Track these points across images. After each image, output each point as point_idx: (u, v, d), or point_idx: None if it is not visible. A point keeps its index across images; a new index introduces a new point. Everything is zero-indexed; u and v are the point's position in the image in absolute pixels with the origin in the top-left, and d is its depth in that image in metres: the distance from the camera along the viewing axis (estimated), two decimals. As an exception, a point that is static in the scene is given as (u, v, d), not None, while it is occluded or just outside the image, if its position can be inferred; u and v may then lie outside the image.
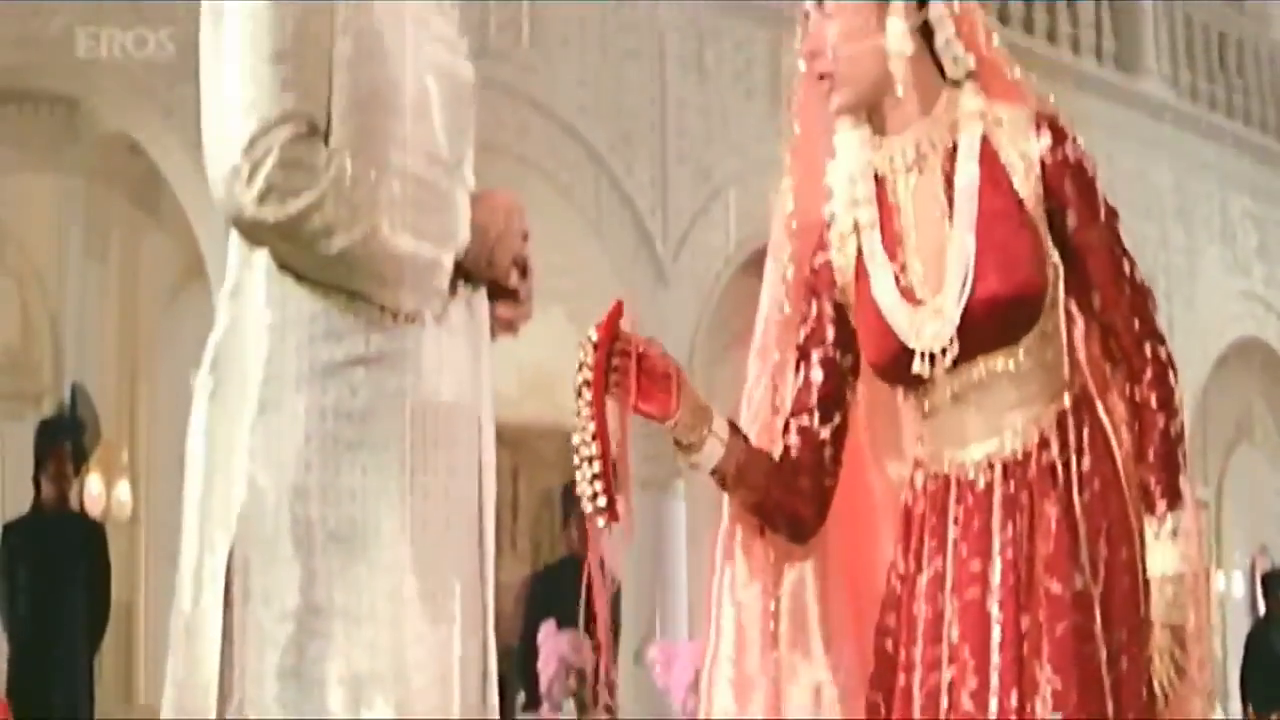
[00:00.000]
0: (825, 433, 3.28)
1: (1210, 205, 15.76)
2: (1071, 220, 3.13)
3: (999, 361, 3.12)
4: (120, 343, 12.63)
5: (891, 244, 3.19)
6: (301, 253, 2.69)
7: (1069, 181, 3.13)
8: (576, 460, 3.09)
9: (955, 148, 3.17)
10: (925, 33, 3.19)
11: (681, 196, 11.46)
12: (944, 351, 3.09)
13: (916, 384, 3.17)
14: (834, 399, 3.29)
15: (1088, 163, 3.18)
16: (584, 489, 3.08)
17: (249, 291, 2.75)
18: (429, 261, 2.73)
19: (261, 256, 2.73)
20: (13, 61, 9.41)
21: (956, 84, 3.21)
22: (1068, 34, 14.64)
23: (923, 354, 3.11)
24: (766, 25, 12.24)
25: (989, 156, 3.14)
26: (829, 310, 3.27)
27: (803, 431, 3.28)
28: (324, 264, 2.68)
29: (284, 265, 2.71)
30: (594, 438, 3.07)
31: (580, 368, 3.10)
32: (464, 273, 2.81)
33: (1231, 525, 17.31)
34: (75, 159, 12.51)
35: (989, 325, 3.08)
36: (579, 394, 3.10)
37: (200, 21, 2.80)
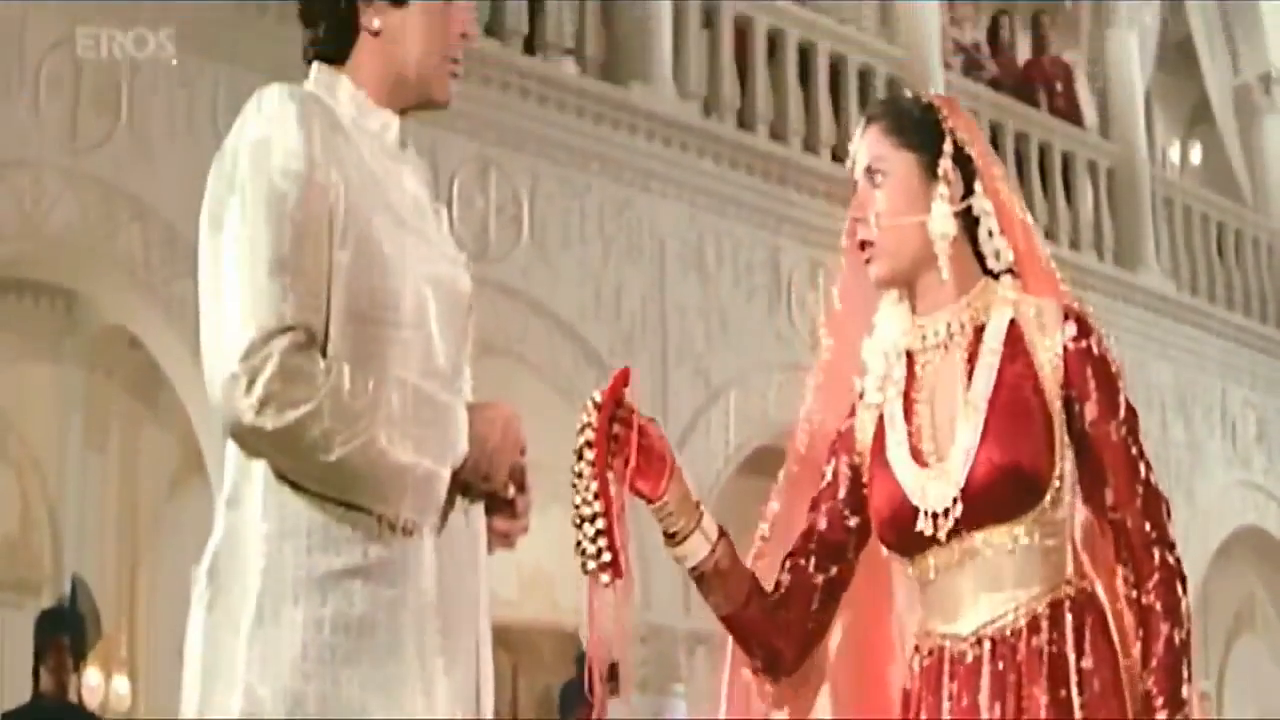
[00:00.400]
0: (819, 578, 3.30)
1: (1210, 396, 15.76)
2: (1090, 412, 3.15)
3: (999, 536, 3.12)
4: (119, 534, 12.57)
5: (910, 409, 3.24)
6: (299, 462, 2.69)
7: (1091, 374, 3.16)
8: (576, 521, 3.06)
9: (983, 328, 3.22)
10: (968, 220, 3.26)
11: (681, 397, 11.46)
12: (946, 512, 3.11)
13: (918, 549, 3.18)
14: (834, 550, 3.31)
15: (1111, 359, 3.21)
16: (586, 548, 3.05)
17: (247, 501, 2.75)
18: (427, 473, 2.73)
19: (259, 466, 2.74)
20: (12, 252, 9.44)
21: (994, 276, 3.27)
22: (1067, 230, 14.74)
23: (926, 512, 3.13)
24: (766, 228, 12.36)
25: (1014, 339, 3.19)
26: (845, 470, 3.32)
27: (796, 569, 3.31)
28: (322, 474, 2.69)
29: (282, 475, 2.72)
30: (596, 496, 3.05)
31: (582, 429, 3.08)
32: (461, 485, 2.82)
33: (1234, 716, 17.16)
34: (75, 350, 12.53)
35: (990, 495, 3.09)
36: (580, 455, 3.08)
37: (200, 226, 2.83)
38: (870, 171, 3.27)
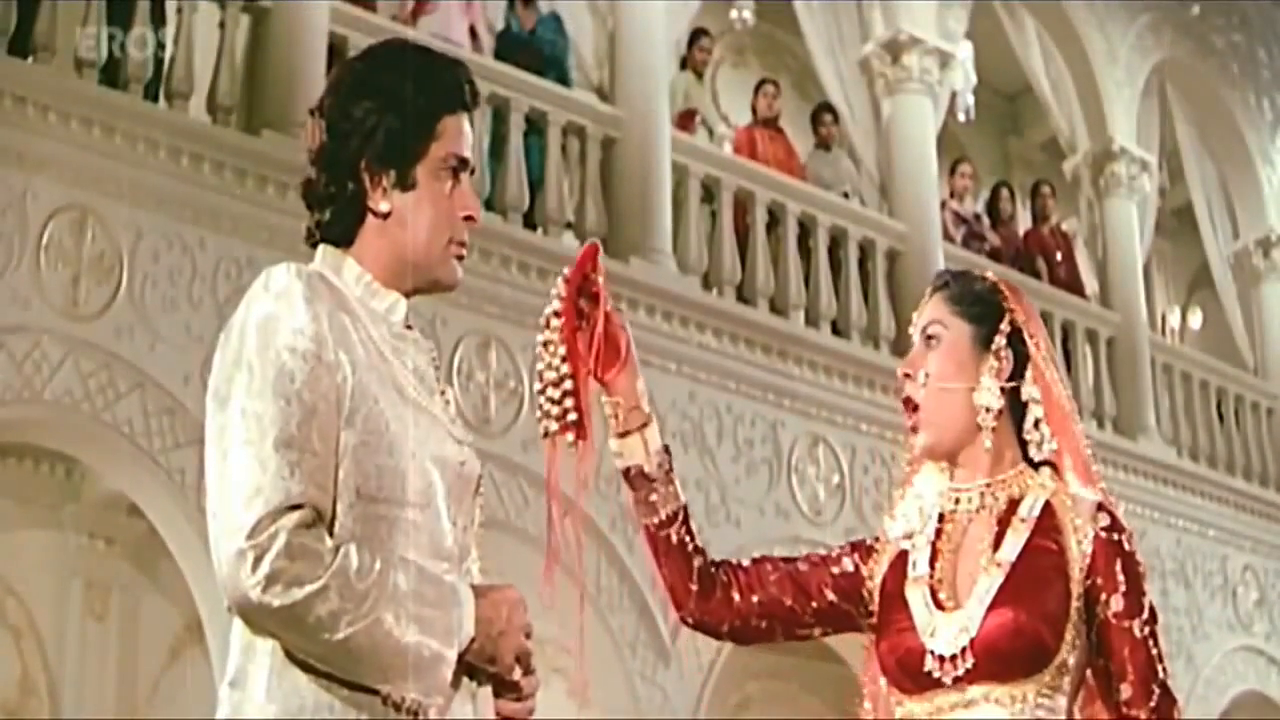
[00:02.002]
0: (772, 589, 3.38)
1: (1211, 562, 15.69)
2: (1115, 604, 3.19)
3: (1000, 693, 3.14)
4: (119, 703, 12.51)
5: (934, 559, 3.28)
6: (304, 641, 2.67)
7: (1120, 568, 3.20)
8: (540, 386, 3.16)
9: (1018, 500, 3.27)
10: (1015, 403, 3.32)
11: (681, 572, 11.41)
12: (955, 659, 3.14)
13: (920, 689, 3.20)
14: (798, 588, 3.39)
15: (1140, 559, 3.25)
16: (551, 410, 3.16)
17: (251, 681, 2.74)
18: (433, 655, 2.72)
19: (264, 646, 2.73)
20: (12, 417, 9.46)
21: (1034, 465, 3.32)
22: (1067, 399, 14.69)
23: (935, 654, 3.16)
24: (767, 402, 12.35)
25: (1048, 518, 3.23)
26: (849, 566, 3.38)
27: (757, 563, 3.42)
28: (327, 653, 2.67)
29: (287, 656, 2.70)
30: (563, 360, 3.16)
31: (552, 299, 3.19)
32: (467, 667, 2.81)
33: None
34: (75, 517, 12.56)
35: (998, 651, 3.12)
36: (547, 324, 3.18)
37: (205, 401, 2.83)
38: (927, 334, 3.34)
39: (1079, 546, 3.20)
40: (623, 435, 3.35)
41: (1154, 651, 3.20)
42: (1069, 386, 3.49)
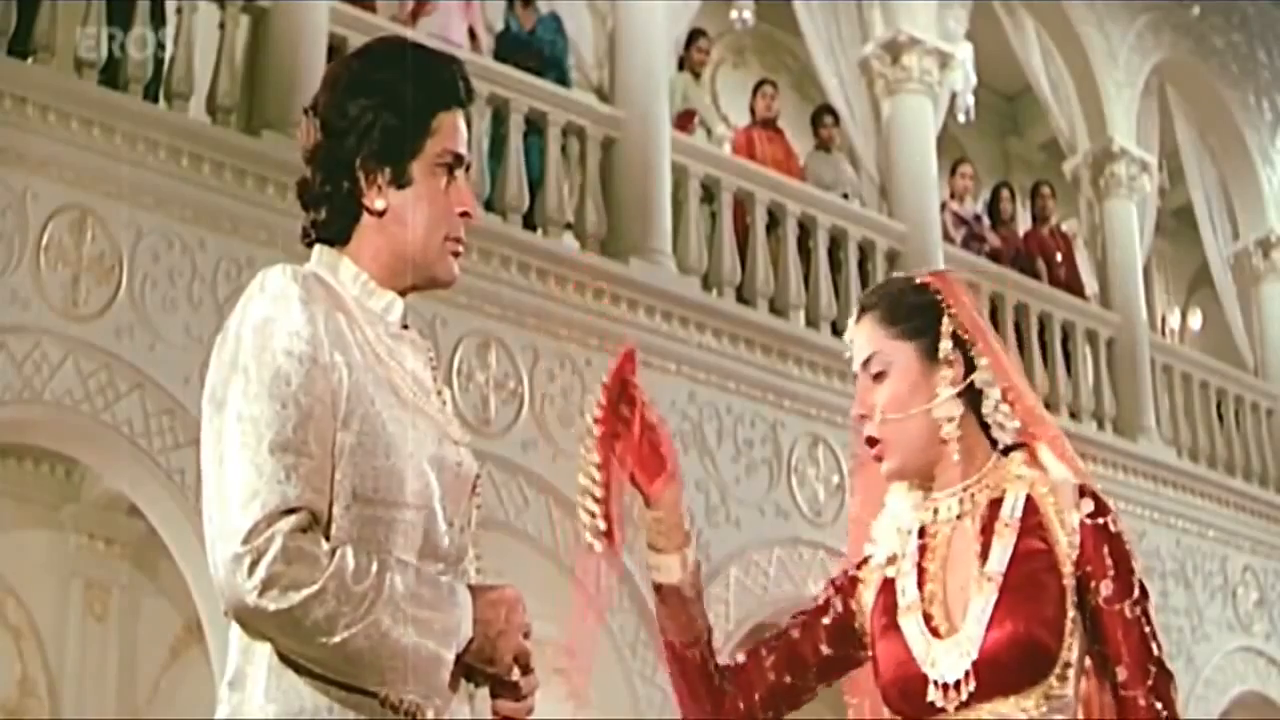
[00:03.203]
0: (772, 675, 3.34)
1: (1211, 563, 15.68)
2: (1105, 590, 3.15)
3: (1006, 708, 3.12)
4: (119, 703, 12.53)
5: (921, 578, 3.24)
6: (302, 644, 2.66)
7: (1107, 552, 3.17)
8: (580, 491, 3.14)
9: (998, 500, 3.22)
10: (972, 394, 3.25)
11: (681, 573, 11.39)
12: (958, 685, 3.11)
13: (923, 717, 3.17)
14: (797, 662, 3.35)
15: (1126, 538, 3.22)
16: (584, 518, 3.12)
17: (250, 683, 2.74)
18: (431, 657, 2.71)
19: (263, 648, 2.72)
20: (12, 418, 9.46)
21: (1004, 451, 3.27)
22: (1068, 400, 14.75)
23: (938, 683, 3.13)
24: (766, 403, 12.35)
25: (1031, 515, 3.19)
26: (838, 607, 3.34)
27: (754, 656, 3.37)
28: (325, 656, 2.66)
29: (285, 658, 2.70)
30: (597, 468, 3.11)
31: (592, 405, 3.15)
32: (466, 668, 2.80)
33: None
34: (75, 517, 12.59)
35: (1001, 668, 3.09)
36: (589, 433, 3.14)
37: (201, 402, 2.82)
38: (869, 365, 3.27)
39: (1067, 540, 3.16)
40: (657, 552, 3.28)
41: (1146, 630, 3.18)
42: (1008, 347, 3.44)
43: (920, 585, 3.23)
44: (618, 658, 10.96)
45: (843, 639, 3.34)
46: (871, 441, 3.27)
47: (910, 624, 3.20)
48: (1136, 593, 3.19)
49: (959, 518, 3.25)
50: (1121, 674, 3.17)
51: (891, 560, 3.29)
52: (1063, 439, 3.34)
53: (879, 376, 3.25)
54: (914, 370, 3.24)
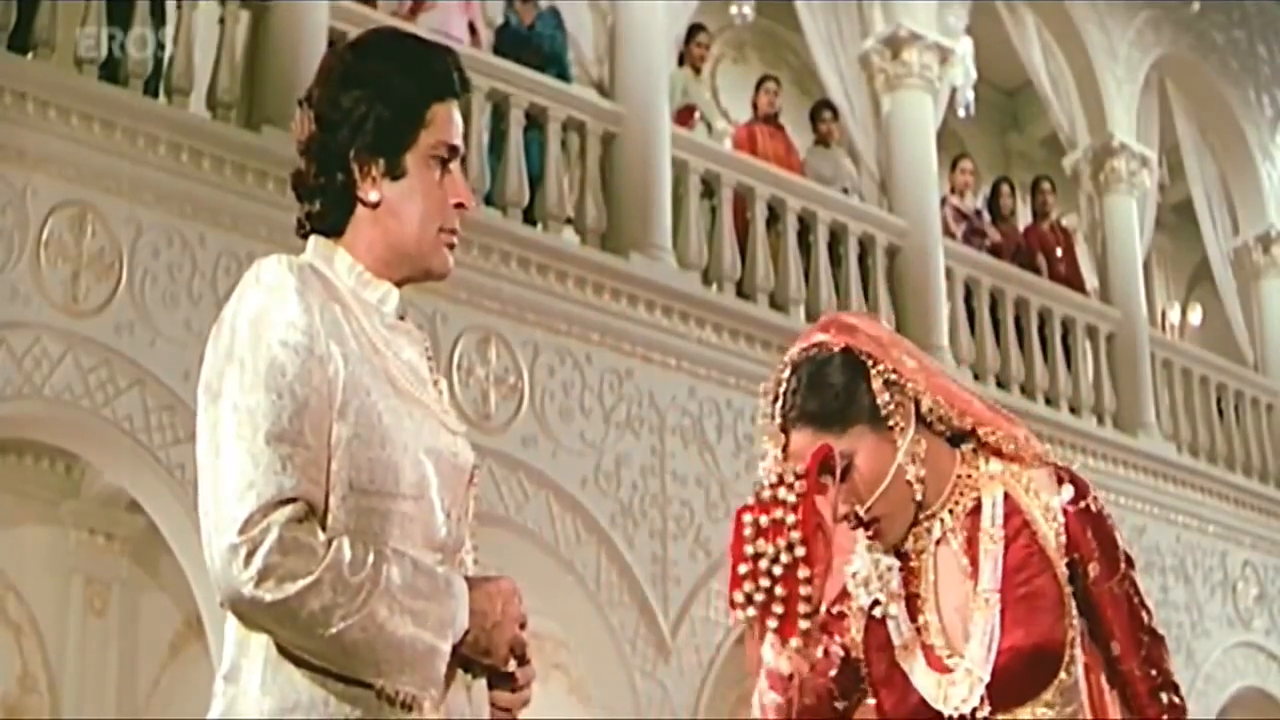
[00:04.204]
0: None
1: (1211, 559, 15.68)
2: (1093, 571, 3.17)
3: (1024, 714, 3.13)
4: (119, 698, 12.54)
5: (913, 607, 3.23)
6: (298, 635, 2.66)
7: (1091, 534, 3.18)
8: (754, 553, 3.01)
9: (977, 506, 3.22)
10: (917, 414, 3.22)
11: (681, 567, 11.39)
12: (974, 713, 3.12)
13: None
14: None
15: (1107, 514, 3.23)
16: (764, 584, 2.98)
17: (245, 675, 2.73)
18: (427, 648, 2.71)
19: (259, 641, 2.72)
20: (12, 413, 9.46)
21: (966, 445, 3.26)
22: (1067, 395, 14.74)
23: (953, 718, 3.13)
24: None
25: (1012, 515, 3.19)
26: (837, 651, 3.32)
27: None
28: (321, 647, 2.66)
29: (281, 650, 2.70)
30: (801, 543, 2.93)
31: (790, 486, 2.98)
32: (462, 659, 2.80)
33: None
34: (75, 512, 12.59)
35: (1014, 681, 3.10)
36: (785, 485, 2.97)
37: (198, 395, 2.82)
38: (839, 475, 3.14)
39: (1053, 533, 3.17)
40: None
41: (1135, 601, 3.21)
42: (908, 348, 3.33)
43: (913, 615, 3.23)
44: (618, 653, 10.94)
45: (849, 687, 3.32)
46: (868, 524, 3.22)
47: (914, 665, 3.20)
48: (1123, 566, 3.21)
49: (941, 538, 3.24)
50: (1116, 648, 3.20)
51: (876, 604, 3.25)
52: (1015, 435, 3.30)
53: (849, 473, 3.17)
54: (872, 448, 3.18)
